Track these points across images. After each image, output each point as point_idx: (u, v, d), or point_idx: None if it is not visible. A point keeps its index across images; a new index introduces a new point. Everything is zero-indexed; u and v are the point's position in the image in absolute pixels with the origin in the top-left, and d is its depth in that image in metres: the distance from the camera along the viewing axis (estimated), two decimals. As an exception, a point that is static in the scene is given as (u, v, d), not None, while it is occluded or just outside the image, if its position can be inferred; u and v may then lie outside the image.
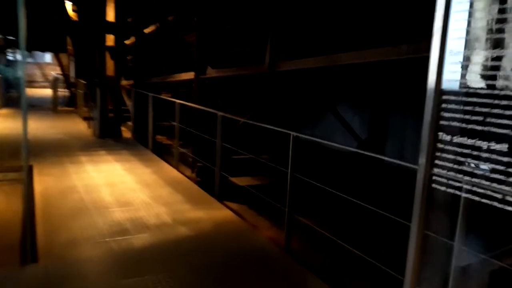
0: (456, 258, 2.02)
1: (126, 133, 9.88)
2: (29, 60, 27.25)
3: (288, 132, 3.56)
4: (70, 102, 16.22)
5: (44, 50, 22.70)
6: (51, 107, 15.18)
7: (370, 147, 6.21)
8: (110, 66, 10.29)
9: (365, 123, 6.60)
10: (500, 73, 1.69)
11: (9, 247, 3.85)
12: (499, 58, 1.69)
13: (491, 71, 1.72)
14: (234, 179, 5.71)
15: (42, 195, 4.77)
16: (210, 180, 5.79)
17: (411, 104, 6.11)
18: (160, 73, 8.79)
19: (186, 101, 6.70)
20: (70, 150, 7.48)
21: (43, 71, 27.92)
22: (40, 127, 10.15)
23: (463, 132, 1.88)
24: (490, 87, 1.72)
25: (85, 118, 11.37)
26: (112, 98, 9.54)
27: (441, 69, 1.94)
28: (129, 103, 10.42)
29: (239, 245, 3.75)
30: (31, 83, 27.11)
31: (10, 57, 23.03)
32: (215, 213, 4.47)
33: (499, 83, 1.69)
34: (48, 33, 16.38)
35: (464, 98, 1.86)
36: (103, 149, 7.67)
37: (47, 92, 18.91)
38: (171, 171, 6.25)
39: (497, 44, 1.71)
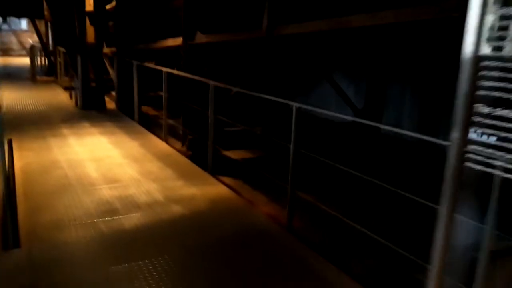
0: (487, 242, 1.83)
1: (110, 104, 9.46)
2: (4, 27, 26.00)
3: (289, 103, 3.29)
4: (49, 71, 15.53)
5: (20, 16, 21.58)
6: (29, 77, 14.52)
7: (367, 117, 5.98)
8: (90, 32, 9.73)
9: (362, 93, 6.36)
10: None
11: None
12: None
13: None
14: (227, 153, 5.46)
15: (22, 172, 4.45)
16: (202, 154, 5.53)
17: (409, 74, 5.88)
18: (145, 39, 8.32)
19: (173, 69, 6.35)
20: (51, 122, 7.09)
21: (19, 38, 26.69)
22: (18, 97, 9.65)
23: (505, 104, 1.65)
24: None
25: (66, 88, 10.86)
26: (93, 66, 9.05)
27: (481, 31, 1.68)
28: (112, 72, 9.94)
29: (236, 223, 3.55)
30: (7, 51, 25.98)
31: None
32: (209, 189, 4.24)
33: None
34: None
35: (508, 65, 1.62)
36: (86, 121, 7.30)
37: (25, 60, 18.11)
38: (160, 144, 5.95)
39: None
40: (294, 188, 3.38)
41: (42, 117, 7.57)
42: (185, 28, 5.42)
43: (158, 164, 4.98)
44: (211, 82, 4.61)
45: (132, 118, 7.68)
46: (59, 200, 3.74)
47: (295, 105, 3.16)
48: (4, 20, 25.57)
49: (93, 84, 8.89)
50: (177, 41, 5.83)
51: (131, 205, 3.73)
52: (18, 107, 8.48)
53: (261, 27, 3.93)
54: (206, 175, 4.73)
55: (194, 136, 5.50)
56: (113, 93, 10.38)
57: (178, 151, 5.75)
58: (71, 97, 9.81)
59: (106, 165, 4.84)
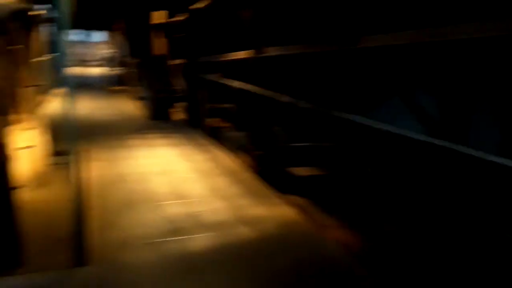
0: None
1: (178, 114, 9.62)
2: (86, 39, 27.87)
3: (361, 120, 2.98)
4: (122, 81, 16.28)
5: (99, 29, 22.95)
6: (104, 87, 15.32)
7: (448, 138, 5.46)
8: (161, 44, 10.02)
9: (439, 110, 5.82)
10: None
11: (57, 240, 3.61)
12: None
13: None
14: (295, 169, 5.20)
15: (93, 184, 4.51)
16: (270, 170, 5.34)
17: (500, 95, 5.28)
18: (214, 51, 8.34)
19: (240, 81, 6.25)
20: (122, 132, 7.27)
21: (98, 50, 28.46)
22: (92, 107, 10.12)
23: None
24: None
25: (137, 98, 11.25)
26: (163, 78, 9.27)
27: None
28: (181, 83, 10.13)
29: (306, 250, 3.28)
30: (85, 62, 27.77)
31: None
32: (277, 210, 4.01)
33: None
34: (102, 11, 16.40)
35: None
36: (155, 131, 7.41)
37: (101, 71, 19.22)
38: (228, 158, 5.84)
39: None
40: (373, 214, 3.05)
41: (113, 126, 7.81)
42: (254, 40, 5.28)
43: (226, 180, 4.85)
44: (282, 98, 4.40)
45: (199, 129, 7.69)
46: (126, 216, 3.70)
47: (382, 127, 2.86)
48: (87, 33, 27.40)
49: (162, 95, 9.09)
50: (247, 53, 5.71)
51: (198, 224, 3.60)
52: (92, 116, 8.85)
53: (343, 38, 3.67)
54: (273, 193, 4.51)
55: (261, 152, 5.31)
56: (181, 104, 10.58)
57: (246, 166, 5.60)
58: (141, 107, 10.12)
59: (174, 180, 4.79)
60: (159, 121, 8.59)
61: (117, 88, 15.41)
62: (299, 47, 4.42)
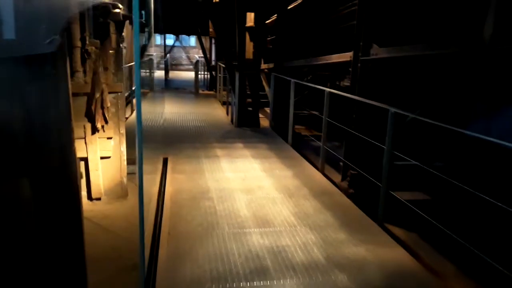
0: None
1: (264, 121, 9.13)
2: (176, 44, 28.94)
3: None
4: (211, 85, 16.33)
5: (189, 33, 23.57)
6: (193, 90, 15.45)
7: None
8: (249, 48, 9.62)
9: None
10: None
11: (123, 269, 3.22)
12: None
13: None
14: (400, 194, 4.36)
15: (171, 201, 4.11)
16: (367, 194, 4.55)
17: None
18: (304, 55, 7.71)
19: (326, 86, 5.54)
20: (207, 140, 6.93)
21: (188, 54, 29.41)
22: (180, 111, 10.03)
23: None
24: None
25: (224, 103, 11.00)
26: (250, 83, 8.84)
27: None
28: (267, 88, 9.64)
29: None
30: (177, 66, 28.83)
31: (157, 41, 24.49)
32: (382, 252, 3.24)
33: None
34: (192, 16, 16.66)
35: None
36: (240, 140, 6.96)
37: (191, 75, 19.57)
38: (316, 176, 5.15)
39: None
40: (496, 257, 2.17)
41: (198, 133, 7.53)
42: (357, 41, 4.53)
43: (315, 204, 4.17)
44: (391, 109, 3.61)
45: (285, 138, 7.10)
46: (203, 246, 3.20)
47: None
48: (177, 38, 28.45)
49: (249, 100, 8.66)
50: (345, 56, 4.99)
51: (285, 264, 2.97)
52: (179, 121, 8.70)
53: (480, 37, 2.82)
54: (374, 226, 3.73)
55: (357, 171, 4.54)
56: (267, 110, 10.10)
57: (337, 186, 4.87)
58: (227, 113, 9.81)
59: (257, 200, 4.22)
60: (245, 128, 8.14)
61: (205, 92, 15.47)
62: (419, 48, 3.59)
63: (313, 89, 6.62)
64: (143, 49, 15.90)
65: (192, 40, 29.54)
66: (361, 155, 4.69)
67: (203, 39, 18.81)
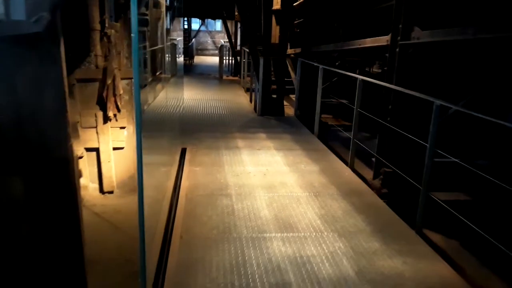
0: None
1: (288, 108, 8.69)
2: (202, 28, 28.55)
3: None
4: (235, 71, 15.93)
5: (214, 17, 23.10)
6: (217, 76, 15.10)
7: None
8: (275, 32, 9.14)
9: None
10: None
11: (129, 275, 2.92)
12: None
13: None
14: (439, 195, 3.90)
15: (187, 198, 3.78)
16: (402, 195, 4.11)
17: None
18: (334, 39, 7.20)
19: (355, 73, 5.07)
20: (228, 129, 6.57)
21: (213, 39, 29.00)
22: (203, 98, 9.71)
23: None
24: None
25: (248, 90, 10.61)
26: (275, 69, 8.39)
27: None
28: (293, 75, 9.17)
29: None
30: (203, 51, 28.49)
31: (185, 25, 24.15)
32: (421, 265, 2.82)
33: None
34: (218, 0, 16.22)
35: None
36: (263, 131, 6.57)
37: (217, 60, 19.21)
38: (345, 171, 4.73)
39: None
40: None
41: (220, 122, 7.18)
42: (396, 23, 4.03)
43: (344, 205, 3.76)
44: (436, 101, 3.14)
45: (311, 129, 6.66)
46: (218, 253, 2.85)
47: None
48: (202, 22, 28.06)
49: (274, 87, 8.24)
50: (380, 40, 4.50)
51: (310, 279, 2.59)
52: (201, 109, 8.37)
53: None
54: (412, 233, 3.30)
55: (392, 169, 4.09)
56: (292, 97, 9.65)
57: (369, 185, 4.43)
58: (250, 100, 9.42)
59: (280, 199, 3.85)
60: (269, 117, 7.74)
61: (230, 77, 15.09)
62: (475, 30, 3.09)
63: (342, 76, 6.16)
64: (166, 33, 15.62)
65: (218, 25, 29.08)
66: (397, 151, 4.23)
67: (228, 23, 18.35)
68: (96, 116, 4.14)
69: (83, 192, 4.31)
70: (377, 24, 5.70)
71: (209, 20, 27.56)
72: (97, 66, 4.05)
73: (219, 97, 9.97)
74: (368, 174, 4.81)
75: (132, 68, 4.23)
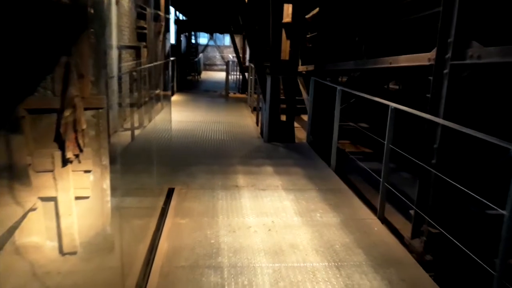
0: None
1: (299, 131, 7.71)
2: (210, 43, 27.89)
3: None
4: (243, 88, 15.03)
5: (222, 32, 22.37)
6: (222, 93, 14.22)
7: None
8: (285, 47, 8.22)
9: None
10: None
11: None
12: None
13: None
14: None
15: (161, 273, 2.78)
16: (455, 264, 3.07)
17: None
18: (355, 55, 6.24)
19: (371, 90, 4.09)
20: (229, 160, 5.59)
21: (222, 53, 28.29)
22: (204, 119, 8.77)
23: None
24: None
25: (254, 109, 9.67)
26: (285, 88, 7.44)
27: None
28: (305, 94, 8.21)
29: None
30: (211, 66, 27.77)
31: (193, 40, 23.49)
32: None
33: None
34: (225, 13, 15.43)
35: None
36: (269, 162, 5.57)
37: (224, 75, 18.40)
38: (373, 225, 3.69)
39: None
40: None
41: (220, 150, 6.20)
42: (443, 36, 3.04)
43: (378, 285, 2.74)
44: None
45: (326, 159, 5.66)
46: None
47: None
48: (211, 37, 27.40)
49: (283, 106, 7.29)
50: (420, 59, 3.53)
51: None
52: (198, 133, 7.42)
53: None
54: None
55: (439, 230, 3.06)
56: (304, 117, 8.69)
57: (406, 245, 3.40)
58: (257, 122, 8.46)
59: (289, 273, 2.83)
60: (277, 144, 6.76)
61: (236, 95, 14.19)
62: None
63: (360, 97, 5.18)
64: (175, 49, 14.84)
65: (227, 39, 28.38)
66: (446, 205, 3.20)
67: (236, 38, 17.56)
68: (53, 157, 3.19)
69: (36, 255, 3.35)
70: (413, 37, 4.72)
71: (218, 34, 26.90)
72: (54, 93, 3.13)
73: (223, 119, 9.02)
74: (404, 226, 3.78)
75: (99, 96, 3.30)
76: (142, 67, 8.42)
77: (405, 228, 3.74)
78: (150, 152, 5.53)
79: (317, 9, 7.69)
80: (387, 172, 3.81)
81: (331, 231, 3.52)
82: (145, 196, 4.48)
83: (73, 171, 3.28)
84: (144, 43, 9.77)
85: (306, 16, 8.38)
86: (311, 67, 7.76)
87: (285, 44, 8.06)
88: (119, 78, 7.74)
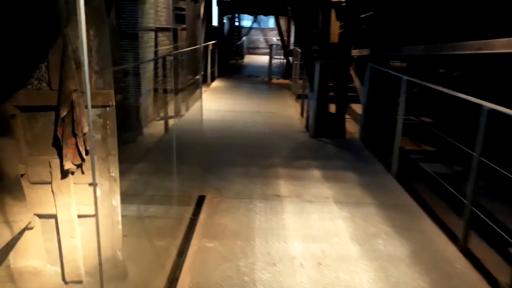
0: None
1: (349, 123, 6.80)
2: (254, 25, 27.01)
3: None
4: (286, 73, 14.15)
5: (267, 14, 21.40)
6: (266, 78, 13.44)
7: None
8: (335, 29, 7.30)
9: None
10: None
11: None
12: None
13: None
14: None
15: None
16: None
17: None
18: (422, 39, 5.25)
19: (425, 76, 3.16)
20: (269, 160, 4.85)
21: (266, 36, 27.35)
22: (244, 109, 8.04)
23: None
24: None
25: (299, 97, 8.81)
26: (335, 75, 6.55)
27: None
28: (358, 82, 7.27)
29: None
30: (254, 49, 26.93)
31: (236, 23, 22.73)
32: None
33: None
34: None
35: None
36: (316, 164, 4.77)
37: (267, 60, 17.58)
38: (454, 261, 2.83)
39: None
40: None
41: (259, 147, 5.45)
42: None
43: None
44: None
45: (384, 162, 4.79)
46: None
47: None
48: (254, 19, 26.50)
49: (331, 94, 6.43)
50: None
51: None
52: (236, 125, 6.71)
53: None
54: None
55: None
56: (355, 107, 7.77)
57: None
58: (302, 112, 7.63)
59: (346, 338, 2.08)
60: (325, 140, 5.93)
61: (280, 81, 13.35)
62: None
63: (423, 86, 4.27)
64: (215, 31, 14.16)
65: (271, 22, 27.35)
66: None
67: (281, 20, 16.60)
68: (50, 166, 2.58)
69: (35, 282, 2.78)
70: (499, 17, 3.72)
71: (262, 16, 25.92)
72: (51, 87, 2.50)
73: (264, 108, 8.25)
74: (497, 264, 2.89)
75: (105, 90, 2.62)
76: (179, 51, 7.77)
77: (498, 268, 2.84)
78: (183, 147, 4.90)
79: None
80: (475, 192, 2.91)
81: (399, 268, 2.71)
82: (170, 205, 3.83)
83: (75, 183, 2.64)
84: (183, 25, 9.13)
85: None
86: (365, 52, 6.80)
87: (335, 26, 7.12)
88: (155, 63, 7.16)
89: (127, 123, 5.80)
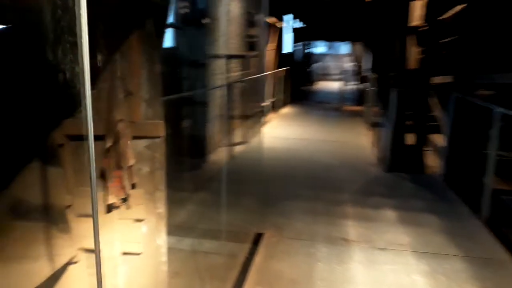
0: None
1: (428, 156, 6.12)
2: (327, 51, 26.76)
3: None
4: (359, 100, 13.58)
5: (342, 40, 21.02)
6: (337, 105, 12.98)
7: None
8: (414, 55, 6.77)
9: None
10: None
11: None
12: None
13: None
14: None
15: None
16: None
17: None
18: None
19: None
20: (336, 196, 4.43)
21: (338, 62, 26.91)
22: (312, 137, 7.67)
23: None
24: None
25: (372, 126, 8.27)
26: (414, 104, 6.00)
27: None
28: (439, 111, 6.61)
29: None
30: (326, 75, 26.55)
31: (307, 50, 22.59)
32: None
33: None
34: (345, 21, 14.19)
35: None
36: (390, 202, 4.26)
37: (340, 86, 17.11)
38: None
39: None
40: None
41: (325, 180, 5.05)
42: None
43: None
44: None
45: (471, 204, 4.14)
46: None
47: None
48: (328, 45, 26.26)
49: (409, 123, 5.86)
50: None
51: None
52: (304, 151, 6.36)
53: None
54: None
55: None
56: (434, 140, 7.06)
57: None
58: (375, 143, 7.08)
59: None
60: (399, 175, 5.36)
61: (352, 108, 12.81)
62: None
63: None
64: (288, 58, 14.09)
65: (344, 48, 26.89)
66: None
67: (355, 46, 16.16)
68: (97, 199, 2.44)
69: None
70: None
71: (335, 42, 25.60)
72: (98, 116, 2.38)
73: (333, 137, 7.81)
74: None
75: (155, 120, 2.44)
76: (248, 77, 7.68)
77: None
78: (243, 176, 4.66)
79: (460, 6, 6.08)
80: None
81: None
82: (226, 241, 3.56)
83: (119, 219, 2.47)
84: (254, 52, 9.09)
85: (442, 17, 6.79)
86: (448, 79, 6.17)
87: (413, 52, 6.59)
88: (224, 90, 7.11)
89: (193, 149, 5.72)
